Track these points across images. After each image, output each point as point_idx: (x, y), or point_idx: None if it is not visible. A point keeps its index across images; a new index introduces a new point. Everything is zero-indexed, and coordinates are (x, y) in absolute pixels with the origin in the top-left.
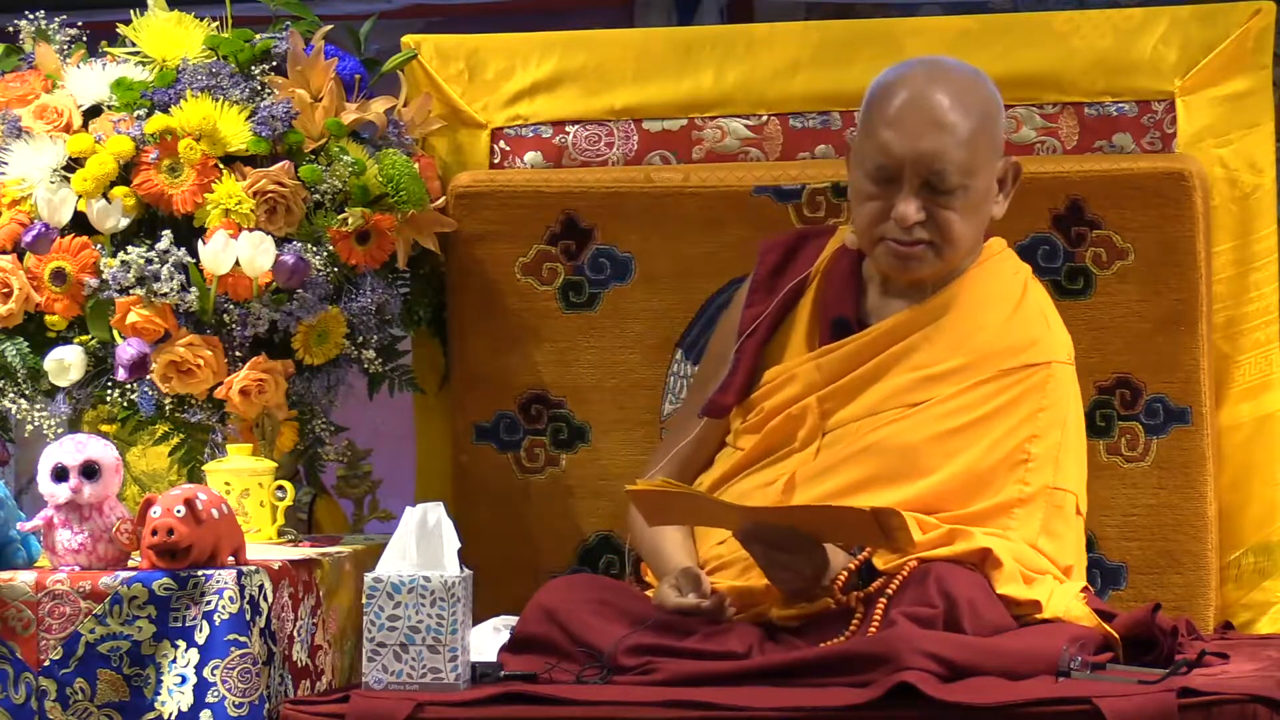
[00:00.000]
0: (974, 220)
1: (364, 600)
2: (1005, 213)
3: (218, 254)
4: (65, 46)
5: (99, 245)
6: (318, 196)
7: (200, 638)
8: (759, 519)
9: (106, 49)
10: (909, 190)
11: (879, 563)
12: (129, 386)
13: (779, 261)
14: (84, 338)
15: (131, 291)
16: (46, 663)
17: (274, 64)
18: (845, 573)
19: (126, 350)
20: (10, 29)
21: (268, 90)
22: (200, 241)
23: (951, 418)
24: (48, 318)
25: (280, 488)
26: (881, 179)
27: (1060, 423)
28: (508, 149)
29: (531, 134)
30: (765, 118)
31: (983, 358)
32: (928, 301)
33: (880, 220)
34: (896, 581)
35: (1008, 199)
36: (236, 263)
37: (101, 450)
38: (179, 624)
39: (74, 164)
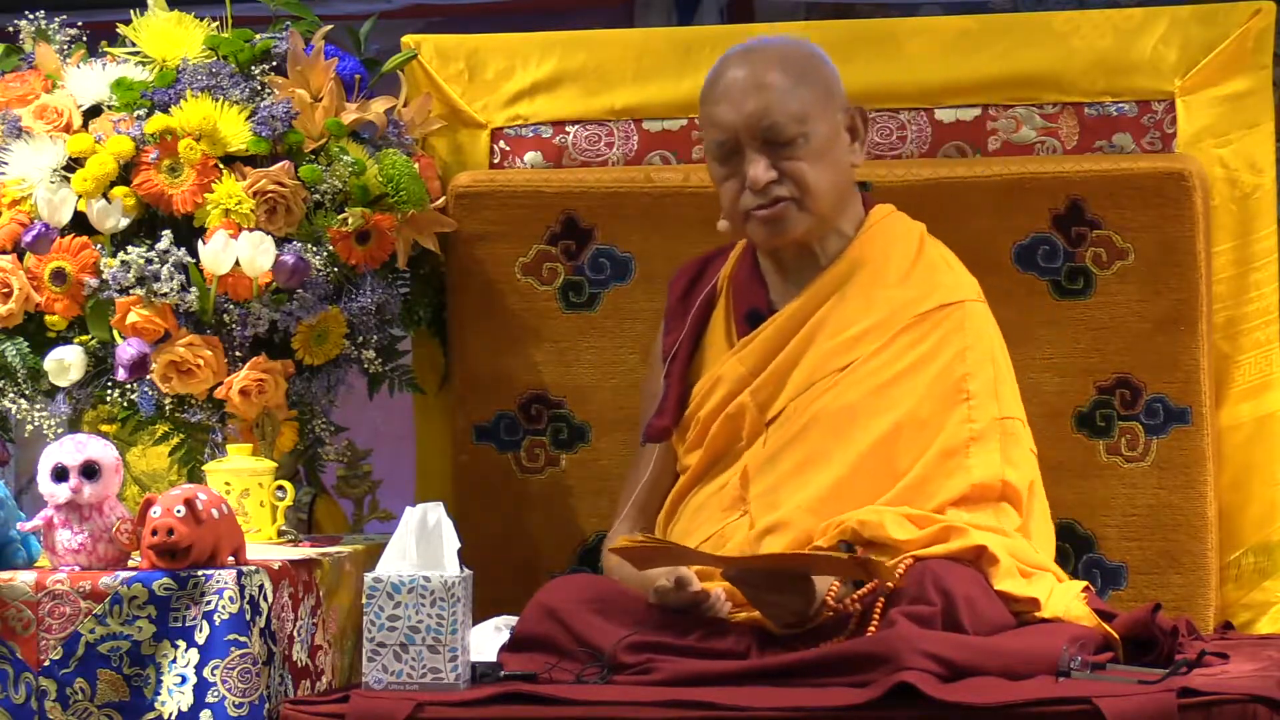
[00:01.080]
0: (827, 168)
1: (364, 600)
2: (862, 160)
3: (218, 254)
4: (65, 46)
5: (99, 245)
6: (318, 196)
7: (200, 638)
8: (741, 567)
9: (106, 49)
10: (752, 153)
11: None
12: (129, 386)
13: (687, 286)
14: (84, 338)
15: (131, 291)
16: (46, 663)
17: (274, 64)
18: (836, 584)
19: (126, 350)
20: (10, 29)
21: (268, 90)
22: (200, 241)
23: (881, 371)
24: (48, 318)
25: (280, 488)
26: (725, 155)
27: (989, 358)
28: (508, 149)
29: (531, 134)
30: None
31: (895, 309)
32: (827, 273)
33: (739, 194)
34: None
35: (864, 146)
36: (236, 263)
37: (101, 450)
38: (179, 624)
39: (74, 164)
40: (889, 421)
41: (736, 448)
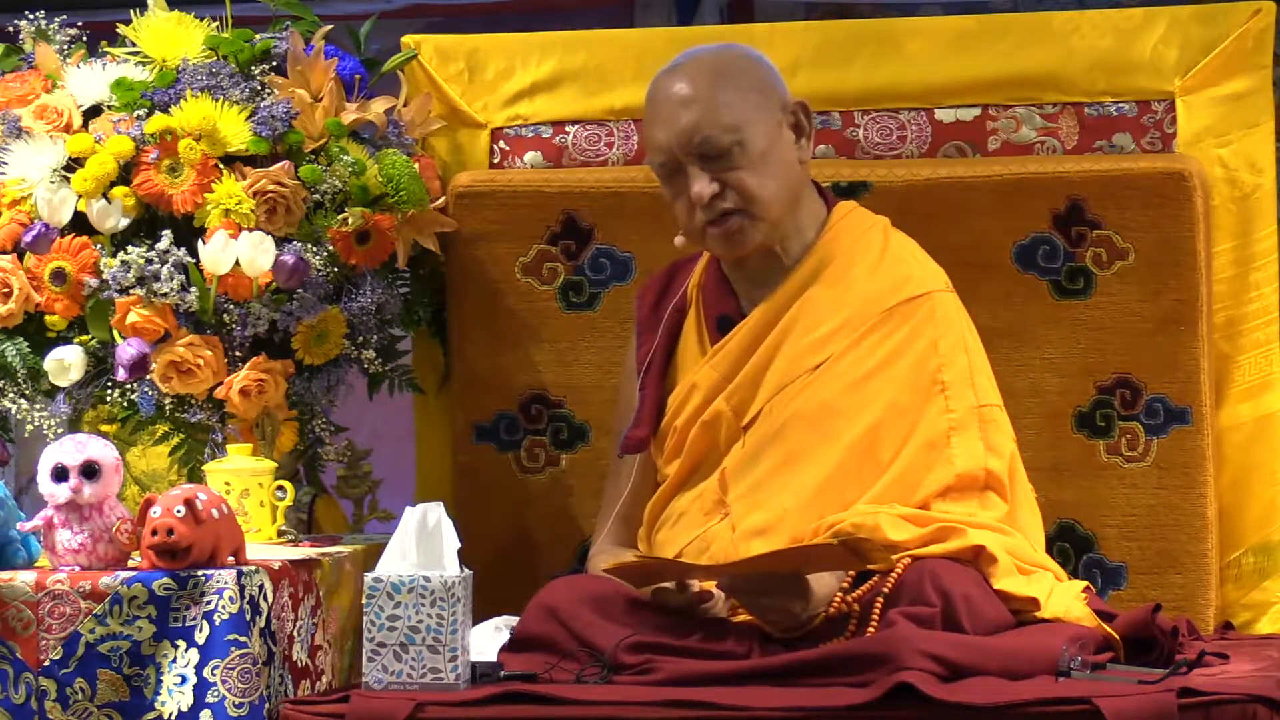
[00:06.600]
0: (770, 172)
1: (364, 600)
2: (810, 156)
3: (218, 254)
4: (65, 46)
5: (99, 245)
6: (318, 196)
7: (200, 638)
8: (733, 572)
9: (106, 49)
10: (693, 170)
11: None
12: (129, 386)
13: (656, 297)
14: (84, 338)
15: (131, 291)
16: (46, 663)
17: (274, 64)
18: (839, 595)
19: (126, 350)
20: (10, 29)
21: (268, 90)
22: (200, 241)
23: (856, 367)
24: (48, 318)
25: (280, 488)
26: (668, 174)
27: (962, 346)
28: (508, 149)
29: (531, 134)
30: None
31: (863, 305)
32: (793, 274)
33: (691, 211)
34: (891, 580)
35: (810, 141)
36: (236, 263)
37: (101, 450)
38: (179, 624)
39: (74, 164)
40: (869, 417)
41: (715, 454)
